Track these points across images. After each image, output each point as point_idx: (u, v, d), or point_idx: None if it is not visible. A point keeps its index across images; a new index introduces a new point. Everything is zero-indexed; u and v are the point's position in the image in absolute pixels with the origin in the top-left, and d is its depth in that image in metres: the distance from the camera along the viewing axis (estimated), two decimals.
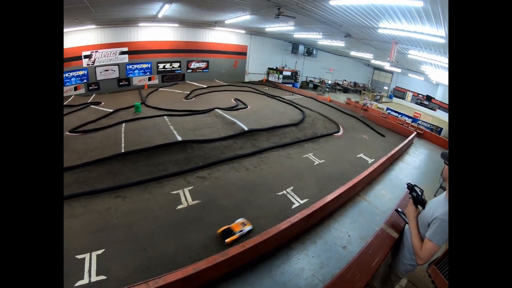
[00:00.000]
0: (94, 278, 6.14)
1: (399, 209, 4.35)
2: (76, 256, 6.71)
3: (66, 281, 6.05)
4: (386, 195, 8.92)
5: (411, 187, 3.77)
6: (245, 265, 5.44)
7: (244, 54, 29.39)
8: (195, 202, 8.43)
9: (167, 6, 15.89)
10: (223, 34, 27.08)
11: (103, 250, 6.84)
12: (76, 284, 5.99)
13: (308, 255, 5.91)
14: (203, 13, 18.62)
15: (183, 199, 8.57)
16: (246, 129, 13.31)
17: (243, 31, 27.24)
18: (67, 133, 13.98)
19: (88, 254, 6.74)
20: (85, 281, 6.09)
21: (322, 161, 11.33)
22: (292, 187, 9.21)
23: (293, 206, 8.30)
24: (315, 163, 11.09)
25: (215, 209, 8.10)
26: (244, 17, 18.11)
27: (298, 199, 8.66)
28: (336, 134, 15.08)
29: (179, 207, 8.26)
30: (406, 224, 3.92)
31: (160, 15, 18.91)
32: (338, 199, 7.28)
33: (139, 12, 18.33)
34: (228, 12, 17.68)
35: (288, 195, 8.84)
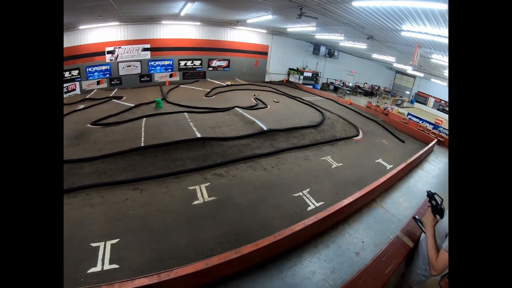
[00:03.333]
0: (107, 267, 6.31)
1: (417, 217, 4.27)
2: (91, 244, 6.93)
3: (80, 267, 6.28)
4: (403, 203, 8.73)
5: (431, 195, 3.69)
6: (256, 265, 5.43)
7: (265, 53, 29.41)
8: (211, 198, 8.53)
9: (189, 4, 16.08)
10: (245, 33, 27.21)
11: (117, 239, 7.02)
12: (89, 271, 6.18)
13: (320, 259, 5.84)
14: (225, 12, 18.76)
15: (199, 195, 8.68)
16: (265, 128, 13.32)
17: (265, 31, 27.25)
18: (89, 125, 14.44)
19: (103, 242, 6.95)
20: (98, 268, 6.27)
21: (340, 164, 11.20)
22: (308, 189, 9.15)
23: (309, 209, 8.25)
24: (332, 166, 10.98)
25: (230, 206, 8.16)
26: (266, 17, 18.11)
27: (314, 201, 8.60)
28: (355, 138, 14.87)
29: (195, 202, 8.37)
30: (422, 233, 3.85)
31: (182, 13, 19.16)
32: (354, 204, 7.16)
33: (162, 10, 18.66)
34: (250, 11, 17.73)
35: (304, 197, 8.79)
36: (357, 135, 15.36)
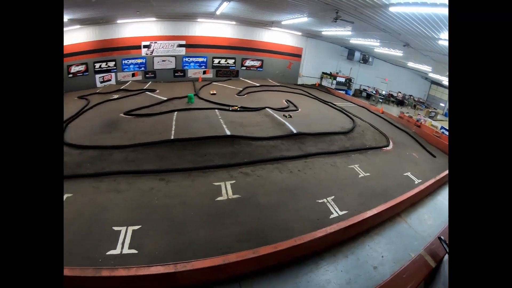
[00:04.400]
0: (126, 251, 6.58)
1: (442, 237, 4.12)
2: (113, 228, 7.27)
3: (99, 248, 6.58)
4: (428, 221, 8.40)
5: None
6: (272, 267, 5.44)
7: (299, 56, 29.23)
8: (235, 196, 8.62)
9: (225, 3, 16.31)
10: (279, 35, 27.15)
11: (139, 226, 7.30)
12: (108, 253, 6.48)
13: (337, 269, 5.73)
14: (260, 12, 18.83)
15: (223, 191, 8.81)
16: (294, 131, 13.23)
17: (299, 33, 27.10)
18: (122, 115, 15.02)
19: (125, 227, 7.26)
20: (117, 251, 6.56)
21: (367, 174, 10.93)
22: (333, 197, 9.00)
23: (331, 216, 8.14)
24: (359, 176, 10.74)
25: (253, 206, 8.21)
26: (301, 19, 18.02)
27: (337, 209, 8.46)
28: (385, 148, 14.47)
29: (219, 198, 8.51)
30: (446, 255, 3.72)
31: (218, 12, 19.45)
32: (378, 217, 6.97)
33: (198, 8, 19.04)
34: (286, 13, 17.69)
35: (328, 204, 8.67)
36: (387, 146, 14.94)
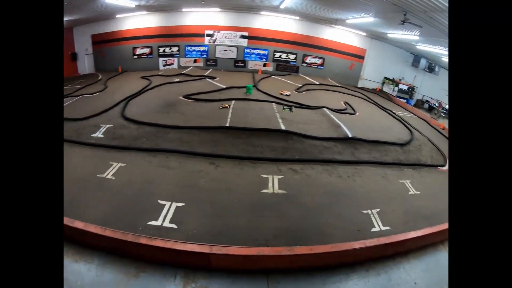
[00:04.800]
0: (166, 224, 7.01)
1: None
2: (159, 201, 7.77)
3: (142, 217, 7.12)
4: None
5: None
6: (304, 268, 5.44)
7: (362, 57, 28.05)
8: (280, 191, 8.67)
9: None
10: (343, 33, 26.24)
11: (183, 204, 7.72)
12: (149, 223, 6.96)
13: (366, 284, 5.56)
14: (325, 9, 18.44)
15: (270, 184, 8.90)
16: (350, 135, 12.90)
17: (364, 33, 25.93)
18: (181, 97, 15.80)
19: (170, 202, 7.72)
20: (158, 223, 7.02)
21: (418, 192, 10.17)
22: (378, 210, 8.60)
23: (373, 229, 7.80)
24: (409, 192, 10.06)
25: (296, 204, 8.19)
26: (367, 19, 17.30)
27: (380, 223, 8.07)
28: (441, 168, 13.46)
29: (264, 191, 8.62)
30: None
31: (282, 6, 19.38)
32: (420, 240, 6.56)
33: (262, 1, 19.25)
34: (352, 11, 17.15)
35: (371, 216, 8.30)
36: (444, 165, 13.93)
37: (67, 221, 5.44)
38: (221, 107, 14.64)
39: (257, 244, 6.47)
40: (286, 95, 18.38)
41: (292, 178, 9.39)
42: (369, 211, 8.46)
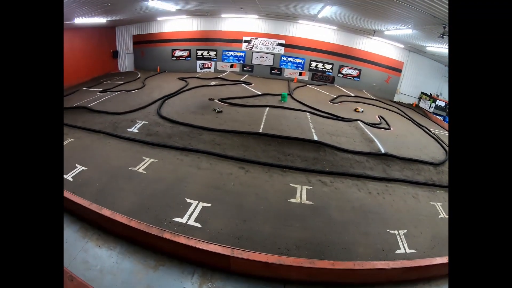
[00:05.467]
0: (191, 222, 7.25)
1: None
2: (186, 199, 8.07)
3: (168, 212, 7.46)
4: None
5: None
6: (322, 283, 5.31)
7: (399, 71, 27.16)
8: (307, 202, 8.67)
9: (328, 7, 16.16)
10: (380, 45, 25.71)
11: (210, 204, 7.96)
12: (174, 219, 7.25)
13: None
14: (363, 19, 18.20)
15: (298, 194, 8.92)
16: (383, 151, 12.65)
17: (402, 46, 25.12)
18: (216, 100, 16.20)
19: (197, 202, 7.99)
20: (183, 220, 7.28)
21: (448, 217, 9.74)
22: (405, 231, 8.32)
23: (398, 251, 7.54)
24: (439, 216, 9.57)
25: (322, 216, 8.16)
26: (406, 31, 16.88)
27: (406, 245, 7.78)
28: None
29: (291, 200, 8.66)
30: None
31: (320, 16, 19.38)
32: (446, 267, 6.11)
33: (300, 9, 19.26)
34: (390, 22, 16.77)
35: (398, 237, 8.03)
36: None
37: (95, 207, 5.66)
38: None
39: (279, 253, 6.55)
40: (361, 111, 18.28)
41: (320, 190, 9.36)
42: (396, 232, 8.21)
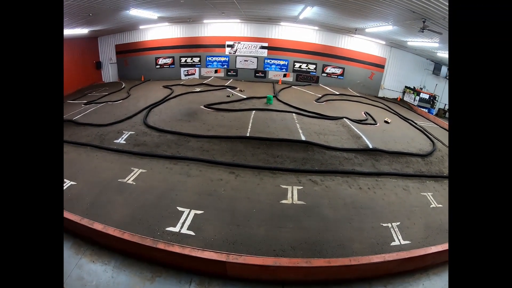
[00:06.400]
0: (184, 231, 7.18)
1: None
2: (178, 207, 8.00)
3: (161, 222, 7.36)
4: None
5: None
6: (320, 281, 5.39)
7: (382, 66, 27.65)
8: (299, 202, 8.67)
9: (309, 8, 16.32)
10: (362, 42, 26.15)
11: (202, 211, 7.90)
12: (167, 229, 7.17)
13: None
14: (344, 18, 18.47)
15: (289, 195, 8.92)
16: (370, 146, 12.73)
17: (383, 42, 25.58)
18: (202, 107, 16.22)
19: (188, 210, 7.92)
20: (176, 229, 7.21)
21: (440, 205, 9.78)
22: (398, 223, 8.39)
23: (392, 243, 7.59)
24: (431, 206, 9.72)
25: (315, 215, 8.17)
26: (386, 27, 17.16)
27: (400, 237, 7.86)
28: None
29: (283, 201, 8.65)
30: None
31: (301, 17, 19.55)
32: (441, 255, 6.26)
33: (281, 11, 19.41)
34: (370, 20, 17.03)
35: (392, 229, 8.10)
36: None
37: (86, 222, 5.65)
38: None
39: (274, 255, 6.52)
40: (389, 122, 18.23)
41: (311, 189, 9.37)
42: (389, 224, 8.28)
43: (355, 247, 7.16)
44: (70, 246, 5.62)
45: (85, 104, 18.43)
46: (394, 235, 7.92)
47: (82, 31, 20.42)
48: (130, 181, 9.37)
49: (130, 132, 12.98)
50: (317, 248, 7.00)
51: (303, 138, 12.66)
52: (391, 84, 28.10)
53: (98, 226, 5.58)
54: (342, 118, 16.31)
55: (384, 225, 8.25)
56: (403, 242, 7.73)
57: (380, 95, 27.74)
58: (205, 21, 24.88)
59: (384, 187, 10.15)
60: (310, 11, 17.10)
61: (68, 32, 18.56)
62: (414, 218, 8.82)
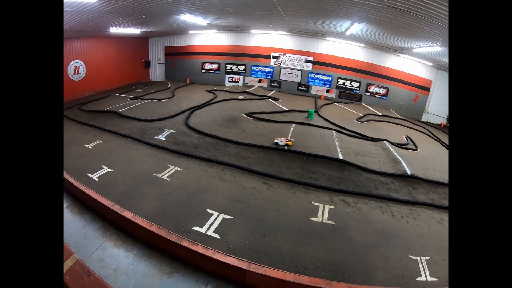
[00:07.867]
0: (210, 233, 7.41)
1: None
2: (207, 209, 8.28)
3: (188, 221, 7.70)
4: None
5: None
6: None
7: (427, 89, 26.21)
8: (329, 222, 8.64)
9: (356, 25, 16.22)
10: (408, 63, 25.25)
11: (231, 217, 8.11)
12: (194, 228, 7.49)
13: None
14: (391, 37, 18.07)
15: (320, 213, 8.93)
16: (409, 173, 12.32)
17: (430, 63, 24.45)
18: (243, 114, 16.66)
19: (218, 213, 8.17)
20: (202, 230, 7.46)
21: None
22: (428, 257, 7.95)
23: (418, 279, 7.22)
24: None
25: (343, 237, 8.09)
26: (434, 48, 16.67)
27: (427, 273, 7.41)
28: None
29: (313, 218, 8.68)
30: None
31: (348, 33, 19.43)
32: None
33: (328, 27, 19.44)
34: (418, 39, 16.54)
35: (420, 263, 7.70)
36: None
37: (117, 208, 5.83)
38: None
39: (296, 271, 6.51)
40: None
41: (343, 210, 9.31)
42: (418, 258, 7.89)
43: (379, 276, 6.99)
44: (98, 228, 5.86)
45: (131, 99, 19.63)
46: (421, 269, 7.53)
47: (135, 31, 21.70)
48: (164, 177, 9.87)
49: (171, 131, 13.67)
50: (340, 271, 6.91)
51: (340, 156, 12.58)
52: (436, 108, 26.70)
53: (128, 214, 5.73)
54: (382, 140, 15.95)
55: (412, 257, 7.89)
56: (429, 278, 7.33)
57: (423, 119, 26.45)
58: (252, 31, 25.61)
59: (418, 217, 9.79)
60: (357, 28, 16.98)
61: (121, 30, 19.87)
62: (444, 254, 8.29)
